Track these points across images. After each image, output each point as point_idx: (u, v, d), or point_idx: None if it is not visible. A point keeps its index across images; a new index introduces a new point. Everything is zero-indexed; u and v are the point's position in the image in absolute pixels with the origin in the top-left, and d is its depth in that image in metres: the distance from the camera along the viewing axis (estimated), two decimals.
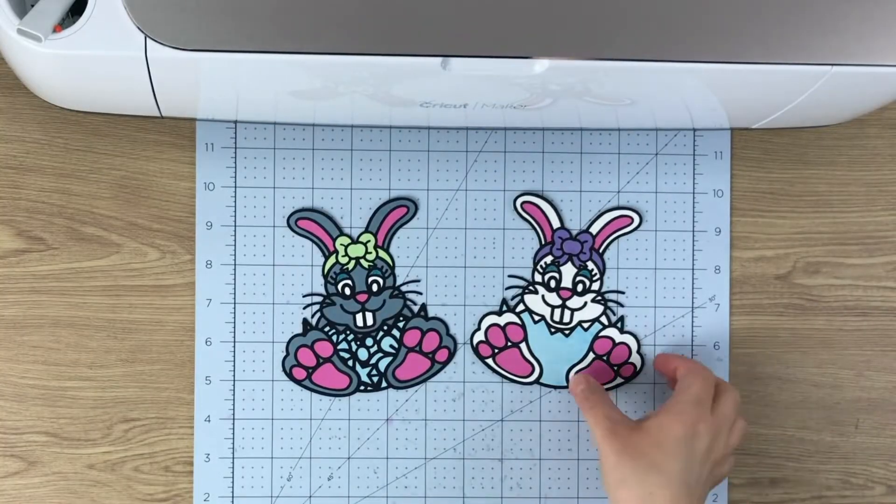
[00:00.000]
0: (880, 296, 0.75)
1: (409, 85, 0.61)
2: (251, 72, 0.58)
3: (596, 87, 0.61)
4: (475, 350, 0.73)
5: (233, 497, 0.72)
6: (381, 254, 0.73)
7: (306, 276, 0.73)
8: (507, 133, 0.74)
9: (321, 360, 0.73)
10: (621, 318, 0.74)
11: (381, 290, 0.73)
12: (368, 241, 0.73)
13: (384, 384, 0.73)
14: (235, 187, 0.72)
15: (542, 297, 0.73)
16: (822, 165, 0.75)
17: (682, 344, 0.74)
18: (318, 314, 0.73)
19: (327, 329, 0.73)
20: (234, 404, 0.72)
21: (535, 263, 0.73)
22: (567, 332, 0.73)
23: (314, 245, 0.73)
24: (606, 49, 0.56)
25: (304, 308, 0.73)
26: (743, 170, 0.75)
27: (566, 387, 0.74)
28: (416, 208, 0.73)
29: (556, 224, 0.73)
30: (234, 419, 0.72)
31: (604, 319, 0.74)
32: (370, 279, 0.73)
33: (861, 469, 0.75)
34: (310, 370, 0.73)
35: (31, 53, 0.56)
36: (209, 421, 0.72)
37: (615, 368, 0.74)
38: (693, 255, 0.74)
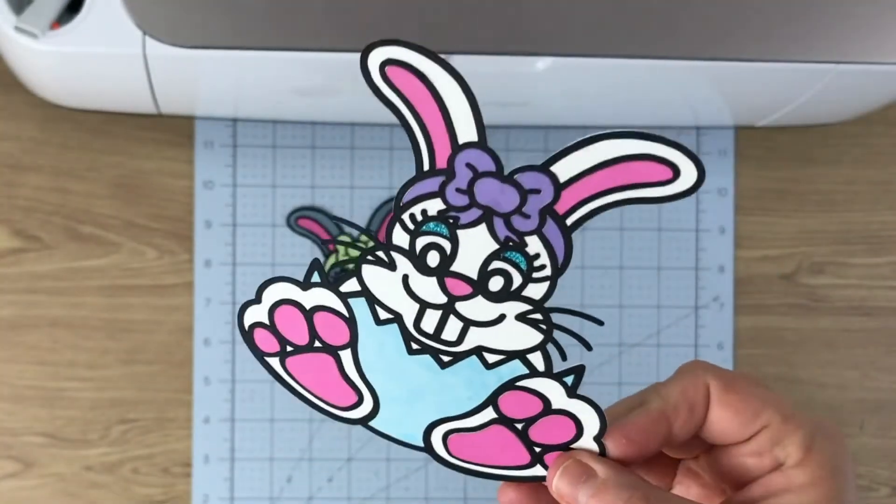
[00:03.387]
0: (885, 296, 0.75)
1: None
2: (250, 69, 0.58)
3: (598, 84, 0.61)
4: (244, 336, 0.39)
5: (232, 499, 0.72)
6: None
7: None
8: (510, 131, 0.73)
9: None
10: (578, 371, 0.36)
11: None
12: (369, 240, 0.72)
13: None
14: (234, 186, 0.72)
15: (405, 278, 0.36)
16: (827, 164, 0.75)
17: (686, 344, 0.74)
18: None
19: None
20: (233, 405, 0.72)
21: (400, 207, 0.36)
22: (446, 358, 0.37)
23: (314, 245, 0.72)
24: (609, 46, 0.56)
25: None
26: (747, 168, 0.74)
27: (419, 448, 0.39)
28: None
29: (467, 134, 0.35)
30: (233, 420, 0.72)
31: (536, 360, 0.36)
32: None
33: (866, 470, 0.75)
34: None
35: (28, 51, 0.56)
36: (208, 422, 0.72)
37: (535, 451, 0.37)
38: (697, 254, 0.74)
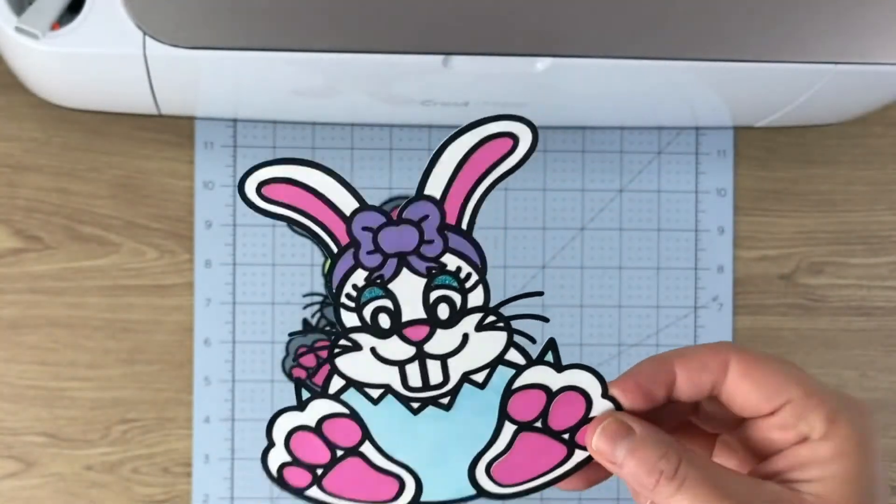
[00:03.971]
0: (884, 296, 0.75)
1: (409, 83, 0.60)
2: (251, 70, 0.58)
3: (597, 85, 0.61)
4: (278, 483, 0.40)
5: (232, 498, 0.72)
6: None
7: (306, 276, 0.72)
8: None
9: (321, 361, 0.72)
10: (551, 345, 0.39)
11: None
12: None
13: None
14: (235, 186, 0.72)
15: (373, 351, 0.39)
16: (826, 164, 0.75)
17: (685, 344, 0.74)
18: (318, 314, 0.72)
19: (328, 329, 0.72)
20: (233, 405, 0.72)
21: (335, 295, 0.39)
22: (445, 400, 0.39)
23: (314, 245, 0.72)
24: (608, 47, 0.56)
25: (304, 308, 0.72)
26: (746, 168, 0.74)
27: (474, 497, 0.40)
28: None
29: (348, 206, 0.38)
30: (233, 420, 0.72)
31: (515, 356, 0.39)
32: None
33: None
34: (310, 371, 0.72)
35: (28, 51, 0.56)
36: (208, 422, 0.72)
37: (565, 439, 0.39)
38: (696, 254, 0.74)
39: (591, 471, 0.38)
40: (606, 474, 0.38)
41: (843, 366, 0.75)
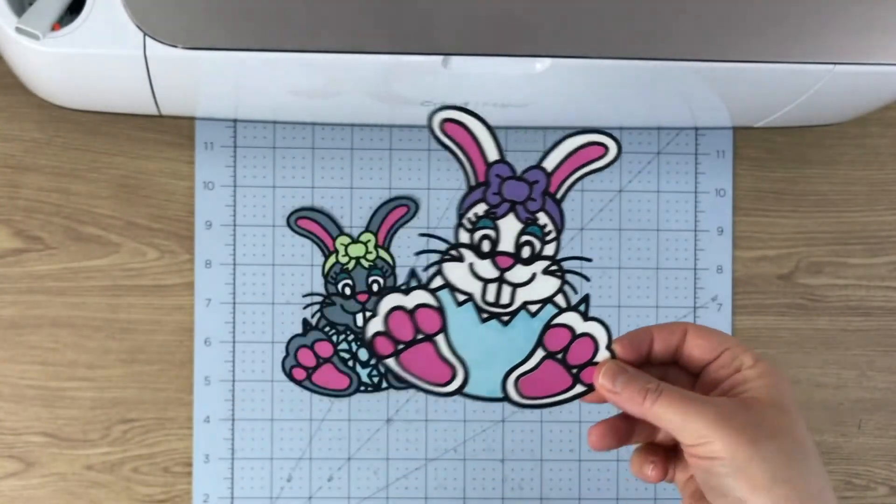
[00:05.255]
0: (883, 296, 0.75)
1: (409, 83, 0.60)
2: (251, 70, 0.58)
3: (596, 85, 0.61)
4: (369, 346, 0.51)
5: (232, 498, 0.72)
6: (382, 253, 0.73)
7: (306, 276, 0.72)
8: (509, 132, 0.73)
9: (321, 361, 0.72)
10: (586, 298, 0.52)
11: (381, 289, 0.72)
12: (369, 240, 0.72)
13: (385, 385, 0.73)
14: (235, 186, 0.72)
15: (471, 266, 0.51)
16: (825, 165, 0.75)
17: None
18: (318, 314, 0.72)
19: (327, 329, 0.72)
20: (233, 405, 0.72)
21: (461, 215, 0.51)
22: (505, 318, 0.51)
23: (314, 245, 0.72)
24: (608, 47, 0.56)
25: (304, 308, 0.72)
26: (745, 169, 0.75)
27: (500, 399, 0.51)
28: (417, 208, 0.73)
29: (492, 156, 0.51)
30: (233, 420, 0.72)
31: (560, 300, 0.51)
32: (371, 279, 0.72)
33: (864, 470, 0.75)
34: (310, 370, 0.72)
35: (29, 52, 0.56)
36: (208, 422, 0.72)
37: (573, 372, 0.51)
38: (695, 254, 0.74)
39: (613, 428, 0.52)
40: (601, 400, 0.51)
41: (842, 365, 0.75)
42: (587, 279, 0.57)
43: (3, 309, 0.71)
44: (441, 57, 0.56)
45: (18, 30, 0.54)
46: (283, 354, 0.72)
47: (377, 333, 0.50)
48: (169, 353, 0.72)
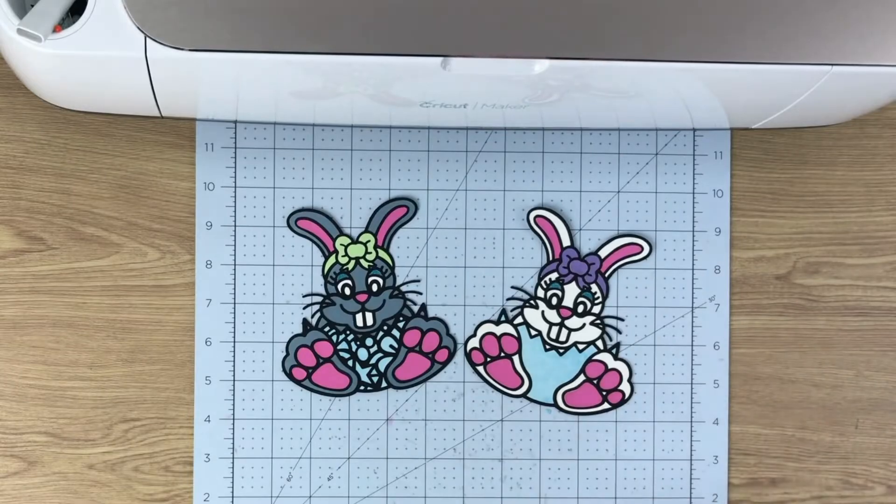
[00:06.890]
0: (880, 296, 0.75)
1: (409, 85, 0.61)
2: (251, 72, 0.58)
3: (595, 87, 0.61)
4: (467, 356, 0.74)
5: (233, 497, 0.72)
6: (381, 254, 0.73)
7: (306, 276, 0.73)
8: (507, 133, 0.74)
9: (321, 360, 0.73)
10: (617, 345, 0.74)
11: (381, 290, 0.73)
12: (368, 241, 0.73)
13: (384, 384, 0.73)
14: (235, 187, 0.72)
15: (542, 312, 0.74)
16: (822, 165, 0.75)
17: (682, 344, 0.74)
18: (318, 314, 0.73)
19: (327, 329, 0.72)
20: (233, 404, 0.72)
21: (540, 278, 0.74)
22: (562, 350, 0.74)
23: (314, 245, 0.73)
24: (606, 49, 0.56)
25: (304, 308, 0.73)
26: (743, 170, 0.75)
27: (551, 405, 0.74)
28: (416, 208, 0.73)
29: (566, 242, 0.74)
30: (234, 419, 0.72)
31: (600, 343, 0.74)
32: (370, 279, 0.73)
33: (861, 469, 0.75)
34: (310, 370, 0.73)
35: (31, 53, 0.56)
36: (209, 421, 0.72)
37: (603, 393, 0.74)
38: (693, 254, 0.74)
39: None
40: None
41: (839, 365, 0.75)
42: (619, 332, 0.74)
43: (4, 309, 0.71)
44: (440, 58, 0.56)
45: (20, 32, 0.54)
46: (283, 354, 0.72)
47: (474, 349, 0.74)
48: (170, 352, 0.72)
